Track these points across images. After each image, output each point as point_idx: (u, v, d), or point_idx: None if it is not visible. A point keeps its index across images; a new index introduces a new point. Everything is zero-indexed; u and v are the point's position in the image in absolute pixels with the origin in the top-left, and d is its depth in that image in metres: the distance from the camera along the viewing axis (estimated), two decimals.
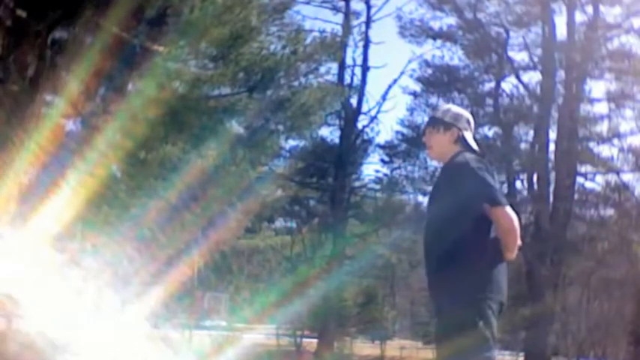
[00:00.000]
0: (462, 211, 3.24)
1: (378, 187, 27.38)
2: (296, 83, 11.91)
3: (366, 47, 25.66)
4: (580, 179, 25.31)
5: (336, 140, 26.13)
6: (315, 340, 25.80)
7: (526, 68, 25.78)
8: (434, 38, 26.15)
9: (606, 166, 24.64)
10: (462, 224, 3.22)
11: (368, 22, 25.98)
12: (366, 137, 26.47)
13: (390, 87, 25.88)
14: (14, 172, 6.75)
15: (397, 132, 27.05)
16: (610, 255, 25.09)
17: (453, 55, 26.40)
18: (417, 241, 27.80)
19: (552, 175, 24.49)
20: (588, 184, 25.81)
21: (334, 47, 13.46)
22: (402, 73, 26.19)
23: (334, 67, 21.57)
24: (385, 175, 27.22)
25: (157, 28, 9.13)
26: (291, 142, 21.44)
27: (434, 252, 3.37)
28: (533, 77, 25.78)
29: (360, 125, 26.06)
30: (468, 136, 3.51)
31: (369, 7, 25.91)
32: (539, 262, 22.49)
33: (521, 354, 25.00)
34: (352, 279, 27.38)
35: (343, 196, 25.52)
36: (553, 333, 23.79)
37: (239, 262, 29.85)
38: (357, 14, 25.99)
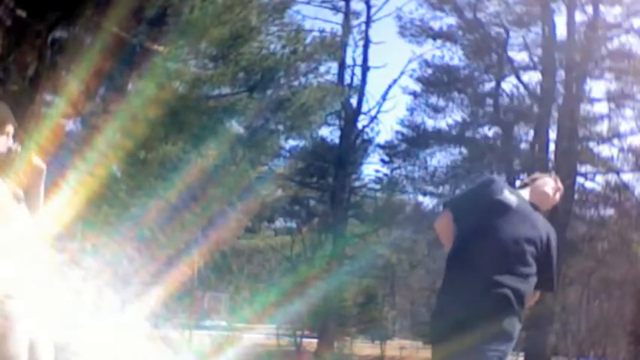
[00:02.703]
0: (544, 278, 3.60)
1: (378, 187, 27.39)
2: (296, 83, 11.92)
3: (366, 47, 25.68)
4: (580, 179, 25.34)
5: (336, 140, 26.15)
6: (315, 340, 25.78)
7: (526, 68, 25.83)
8: (434, 38, 26.17)
9: (606, 166, 24.65)
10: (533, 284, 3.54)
11: (368, 22, 26.00)
12: (366, 137, 26.49)
13: (390, 87, 25.91)
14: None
15: (397, 132, 27.10)
16: (610, 255, 25.10)
17: (453, 55, 26.46)
18: (417, 241, 27.86)
19: None
20: (588, 184, 25.85)
21: (334, 47, 13.47)
22: (402, 73, 26.24)
23: (334, 66, 21.61)
24: (385, 175, 27.26)
25: (157, 28, 9.12)
26: (291, 142, 21.48)
27: (510, 286, 3.40)
28: (533, 77, 25.86)
29: (360, 125, 26.08)
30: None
31: (369, 7, 25.94)
32: None
33: (522, 354, 24.99)
34: (352, 279, 27.35)
35: (343, 196, 25.52)
36: (553, 333, 23.79)
37: (239, 262, 29.81)
38: (357, 14, 26.02)
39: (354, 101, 25.69)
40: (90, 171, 8.04)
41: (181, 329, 19.60)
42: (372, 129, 26.33)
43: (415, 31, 26.20)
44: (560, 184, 3.89)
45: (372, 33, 25.92)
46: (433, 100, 26.72)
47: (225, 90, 11.15)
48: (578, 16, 24.72)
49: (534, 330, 22.14)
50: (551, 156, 24.70)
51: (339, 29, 20.78)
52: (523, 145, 26.22)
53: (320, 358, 23.85)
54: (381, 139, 27.00)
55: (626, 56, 24.28)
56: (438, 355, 3.37)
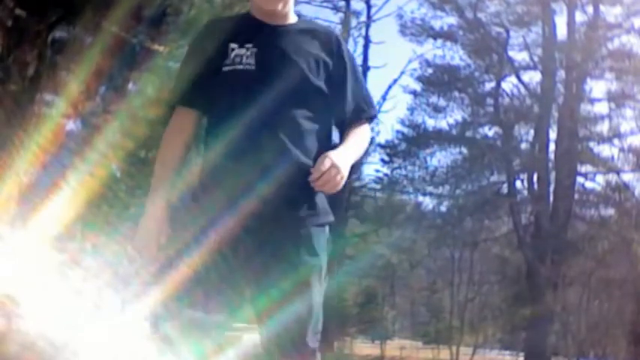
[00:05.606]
0: None
1: (378, 187, 27.39)
2: None
3: (366, 47, 25.65)
4: (580, 179, 25.37)
5: (337, 140, 26.12)
6: None
7: (526, 68, 25.84)
8: (434, 38, 26.21)
9: (606, 166, 24.67)
10: None
11: (368, 22, 26.01)
12: None
13: (390, 87, 25.88)
14: (14, 172, 6.75)
15: (397, 132, 27.11)
16: (610, 255, 25.11)
17: (454, 55, 26.49)
18: (417, 241, 27.87)
19: (552, 175, 24.51)
20: (588, 184, 25.88)
21: None
22: (403, 72, 26.22)
23: None
24: (385, 175, 27.26)
25: (156, 27, 9.12)
26: None
27: None
28: (533, 77, 25.87)
29: None
30: None
31: (369, 7, 25.93)
32: (539, 262, 22.49)
33: (521, 354, 25.01)
34: (352, 279, 27.37)
35: (343, 196, 25.53)
36: (553, 333, 23.81)
37: None
38: (357, 14, 26.00)
39: None
40: (90, 171, 8.03)
41: None
42: (372, 129, 26.33)
43: (416, 31, 26.25)
44: None
45: (372, 33, 25.93)
46: (433, 99, 26.78)
47: None
48: (579, 16, 24.79)
49: (534, 330, 22.16)
50: (551, 156, 24.73)
51: (339, 29, 20.80)
52: (523, 145, 26.25)
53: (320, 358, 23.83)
54: (381, 139, 26.99)
55: (627, 56, 24.30)
56: None
